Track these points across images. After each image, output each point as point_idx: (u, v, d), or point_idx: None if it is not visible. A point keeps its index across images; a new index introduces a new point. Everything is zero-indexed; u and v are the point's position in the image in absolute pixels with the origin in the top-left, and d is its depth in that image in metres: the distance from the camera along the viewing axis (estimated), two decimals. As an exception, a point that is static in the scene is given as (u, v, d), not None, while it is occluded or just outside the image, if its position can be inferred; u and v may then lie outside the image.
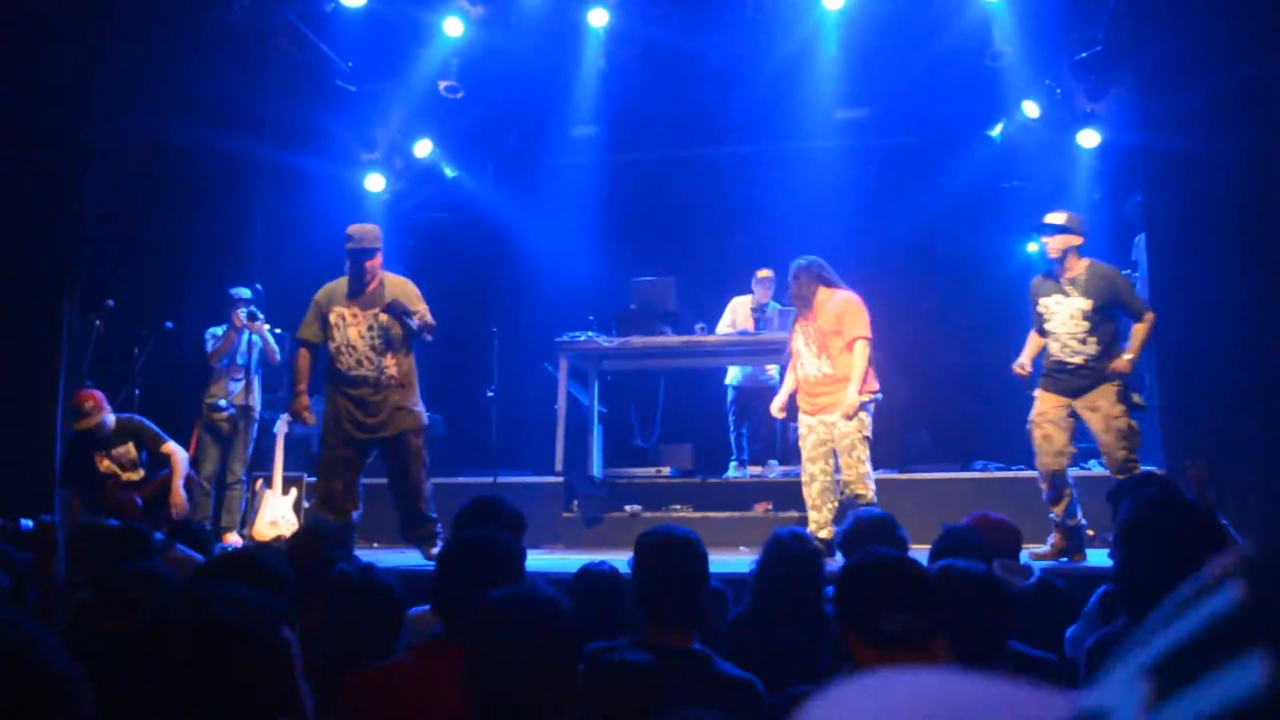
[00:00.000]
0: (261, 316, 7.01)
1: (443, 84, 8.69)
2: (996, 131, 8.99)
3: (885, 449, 6.53)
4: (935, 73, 8.84)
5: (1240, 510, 5.62)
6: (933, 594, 2.16)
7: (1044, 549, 5.21)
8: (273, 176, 8.62)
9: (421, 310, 5.57)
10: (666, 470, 7.76)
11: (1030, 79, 8.33)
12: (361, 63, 9.01)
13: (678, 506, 7.14)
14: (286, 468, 6.86)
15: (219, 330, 6.99)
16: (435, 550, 5.16)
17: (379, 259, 5.60)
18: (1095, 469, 6.91)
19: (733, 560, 4.72)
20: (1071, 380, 5.24)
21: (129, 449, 6.24)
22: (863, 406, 5.47)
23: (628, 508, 7.08)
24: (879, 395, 5.57)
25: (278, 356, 7.18)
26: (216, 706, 1.29)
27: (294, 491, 6.85)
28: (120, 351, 7.13)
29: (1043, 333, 5.39)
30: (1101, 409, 5.16)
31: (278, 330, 8.03)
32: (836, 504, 5.55)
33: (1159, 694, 0.34)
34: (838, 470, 5.58)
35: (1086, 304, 5.20)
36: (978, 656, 2.21)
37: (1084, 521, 5.29)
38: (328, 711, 2.22)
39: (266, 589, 1.85)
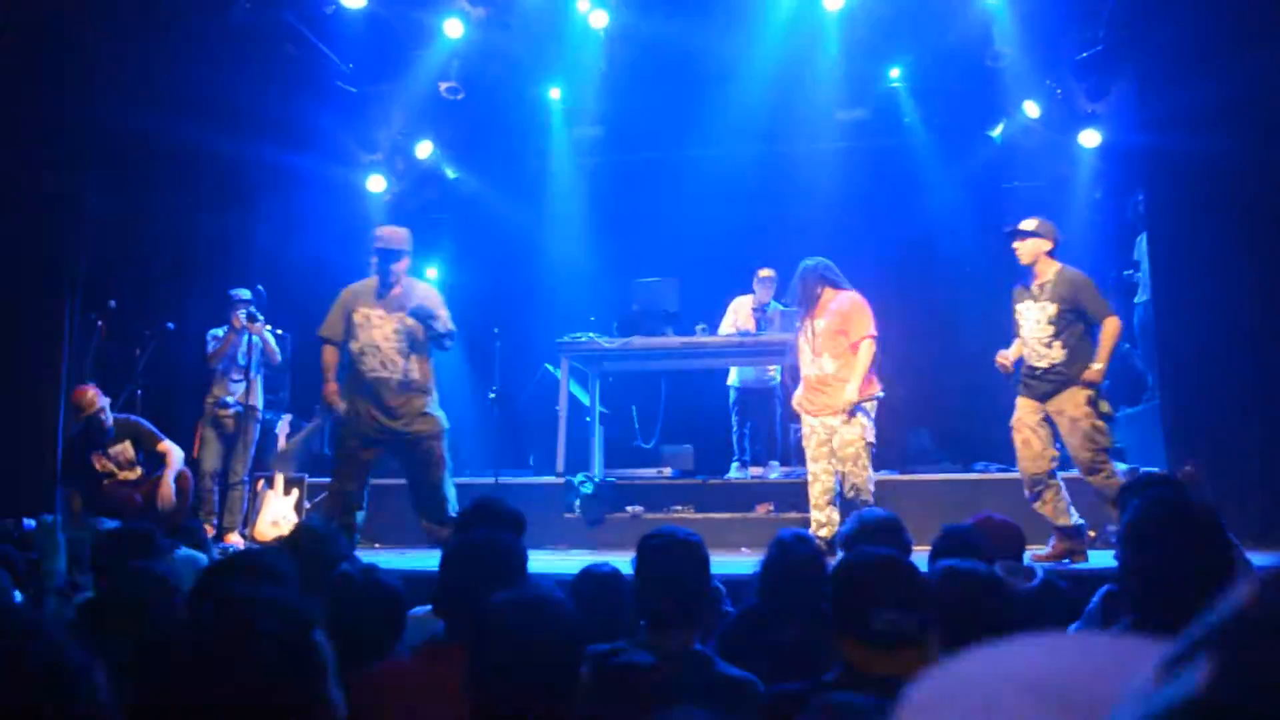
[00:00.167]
0: (261, 318, 7.01)
1: (443, 85, 8.69)
2: (997, 132, 8.99)
3: (886, 450, 6.53)
4: (936, 73, 8.85)
5: (1240, 510, 5.63)
6: (924, 593, 2.16)
7: (1044, 550, 5.21)
8: (274, 177, 8.63)
9: (444, 317, 5.56)
10: (668, 471, 7.76)
11: (1031, 79, 8.33)
12: (362, 64, 9.02)
13: (679, 507, 7.14)
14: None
15: (220, 332, 6.99)
16: None
17: (407, 262, 5.62)
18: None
19: (734, 561, 4.72)
20: (1039, 385, 5.27)
21: (126, 448, 6.25)
22: (861, 410, 5.47)
23: (629, 509, 7.07)
24: (878, 396, 5.57)
25: (278, 358, 7.18)
26: (247, 712, 1.28)
27: (295, 492, 6.85)
28: (121, 352, 7.14)
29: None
30: (1067, 412, 5.18)
31: (279, 331, 8.03)
32: (838, 504, 5.55)
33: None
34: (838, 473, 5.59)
35: (1052, 309, 5.23)
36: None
37: (1083, 521, 5.28)
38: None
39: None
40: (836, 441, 5.49)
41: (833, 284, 5.65)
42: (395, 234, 5.64)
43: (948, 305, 9.00)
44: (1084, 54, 7.80)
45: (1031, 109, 8.53)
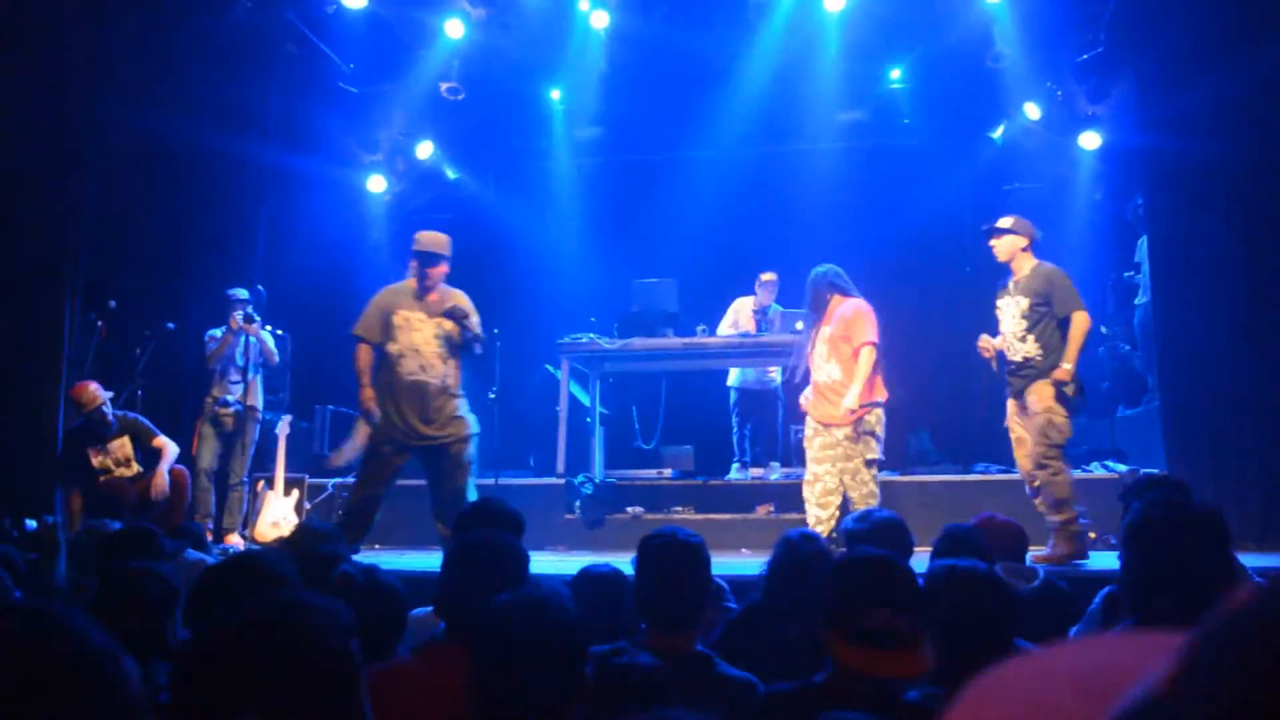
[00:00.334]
0: (258, 319, 6.99)
1: (444, 85, 8.69)
2: (998, 133, 8.99)
3: (886, 452, 6.51)
4: (936, 75, 8.85)
5: (1240, 512, 5.62)
6: (918, 596, 2.15)
7: (1045, 551, 5.21)
8: (275, 177, 8.63)
9: (475, 321, 5.54)
10: (668, 472, 7.76)
11: (1031, 81, 8.33)
12: (363, 64, 9.02)
13: (679, 508, 7.14)
14: (288, 469, 6.85)
15: (218, 332, 6.98)
16: None
17: (445, 268, 5.58)
18: (1096, 470, 6.91)
19: (735, 562, 4.72)
20: (1016, 381, 5.32)
21: (124, 444, 6.26)
22: (866, 426, 5.45)
23: (629, 510, 7.07)
24: (878, 402, 5.55)
25: (276, 358, 7.16)
26: (296, 714, 1.28)
27: (295, 493, 6.84)
28: (122, 352, 7.14)
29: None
30: (1029, 403, 5.23)
31: (279, 331, 8.02)
32: (839, 505, 5.54)
33: None
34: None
35: (1024, 303, 5.28)
36: (981, 655, 2.20)
37: (1085, 521, 5.29)
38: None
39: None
40: (840, 452, 5.50)
41: (842, 291, 5.66)
42: (436, 239, 5.62)
43: (948, 306, 8.99)
44: (1084, 56, 7.81)
45: (1032, 110, 8.53)
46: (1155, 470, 6.13)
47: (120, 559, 2.94)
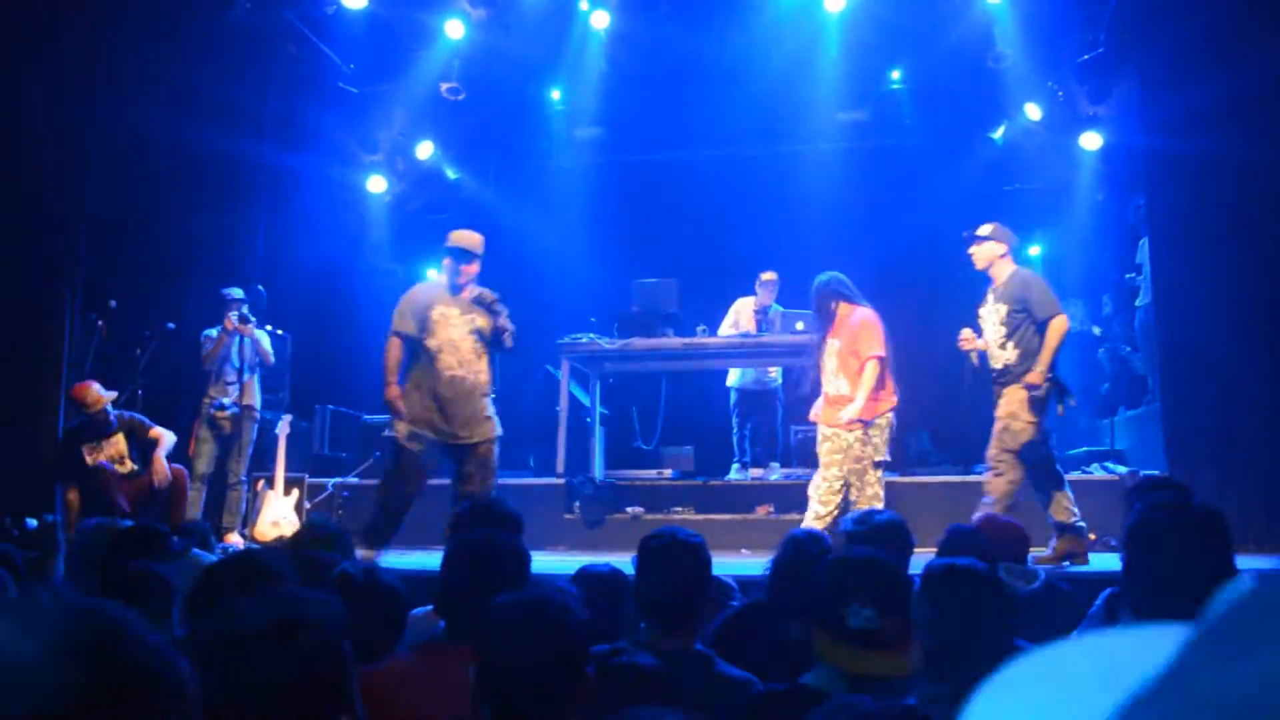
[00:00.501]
0: (254, 319, 6.98)
1: (444, 86, 8.69)
2: (999, 134, 8.99)
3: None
4: (937, 75, 8.85)
5: (1241, 513, 5.61)
6: (905, 596, 2.15)
7: (1045, 552, 5.21)
8: (275, 178, 8.63)
9: (504, 312, 5.57)
10: (668, 472, 7.76)
11: (1032, 81, 8.33)
12: (363, 65, 9.02)
13: (679, 508, 7.13)
14: (288, 469, 6.85)
15: (213, 332, 6.96)
16: None
17: (478, 266, 5.60)
18: (1097, 472, 6.91)
19: (735, 563, 4.71)
20: (995, 389, 5.34)
21: (118, 441, 6.26)
22: (875, 429, 5.47)
23: (629, 510, 7.07)
24: (879, 412, 5.55)
25: (272, 359, 7.13)
26: (288, 710, 1.28)
27: (295, 492, 6.84)
28: (122, 351, 7.13)
29: None
30: (999, 406, 5.25)
31: (279, 331, 8.02)
32: (839, 505, 5.55)
33: None
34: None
35: (1003, 309, 5.29)
36: (980, 655, 2.20)
37: (1084, 524, 5.28)
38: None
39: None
40: (848, 455, 5.52)
41: (846, 299, 5.66)
42: (470, 236, 5.66)
43: (948, 307, 8.96)
44: (1085, 56, 7.80)
45: (1033, 111, 8.53)
46: (1156, 472, 6.13)
47: (127, 557, 2.93)
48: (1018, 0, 7.94)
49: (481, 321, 5.50)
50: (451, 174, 9.99)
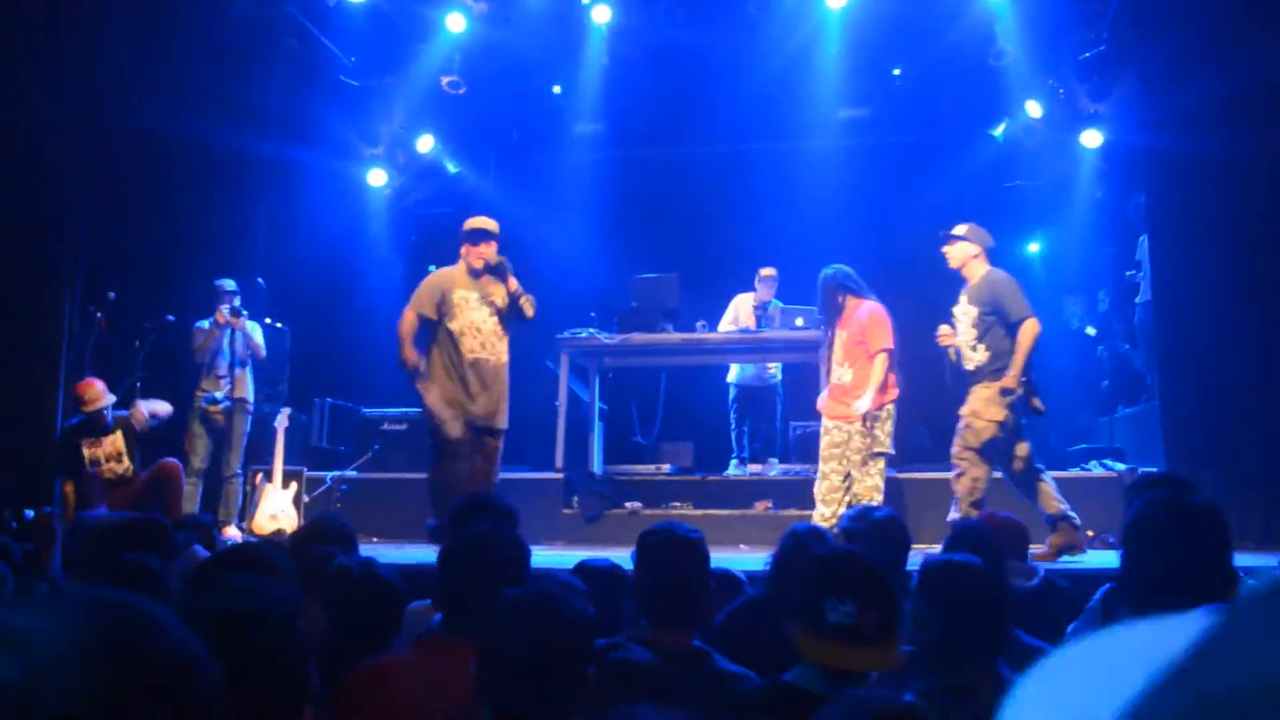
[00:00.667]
0: (245, 312, 6.95)
1: (445, 79, 8.68)
2: (999, 131, 8.97)
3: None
4: (938, 72, 8.83)
5: (1241, 511, 5.61)
6: (886, 591, 2.15)
7: (1042, 549, 5.21)
8: (275, 170, 8.61)
9: (510, 270, 5.67)
10: (667, 467, 7.75)
11: (1033, 79, 8.32)
12: (364, 58, 9.00)
13: (678, 504, 7.13)
14: (286, 462, 6.85)
15: (205, 324, 6.94)
16: None
17: (493, 246, 5.71)
18: (1095, 470, 6.91)
19: (733, 558, 4.71)
20: (968, 390, 5.34)
21: (116, 439, 6.26)
22: (876, 421, 5.51)
23: (628, 505, 7.07)
24: (882, 404, 5.59)
25: (263, 352, 7.09)
26: (237, 690, 1.29)
27: (294, 485, 6.83)
28: (121, 344, 7.12)
29: None
30: (965, 404, 5.29)
31: (279, 325, 8.01)
32: (844, 503, 5.57)
33: None
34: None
35: (974, 311, 5.31)
36: (977, 650, 2.21)
37: (1074, 514, 5.29)
38: (328, 706, 2.21)
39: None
40: (849, 447, 5.55)
41: (854, 292, 5.71)
42: (484, 220, 5.80)
43: (946, 304, 8.96)
44: (1086, 53, 7.80)
45: (1034, 108, 8.51)
46: (1154, 469, 6.13)
47: (128, 550, 2.93)
48: (1019, -3, 7.93)
49: (498, 295, 5.57)
50: (452, 168, 9.97)
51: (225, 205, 8.11)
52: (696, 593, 2.59)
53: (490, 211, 10.05)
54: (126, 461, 6.29)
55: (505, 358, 5.69)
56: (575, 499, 7.08)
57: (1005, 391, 5.13)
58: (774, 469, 7.88)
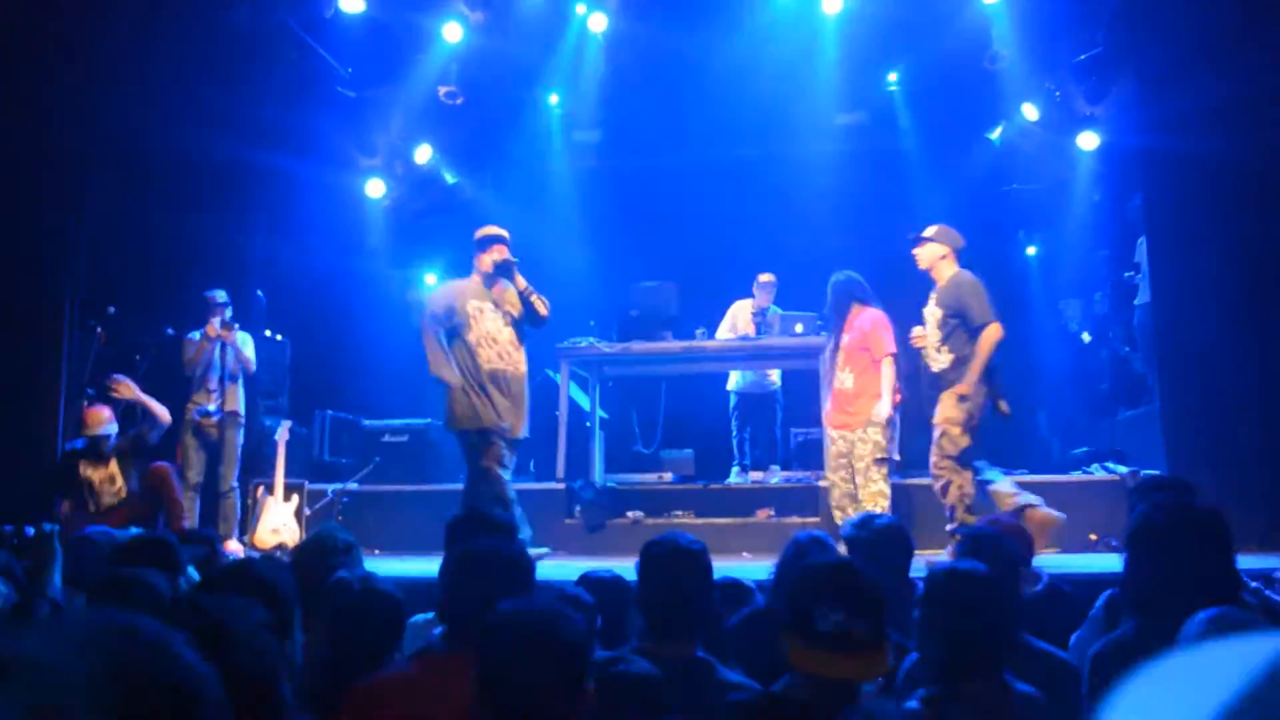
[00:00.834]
0: (236, 324, 6.93)
1: (442, 89, 8.68)
2: (996, 134, 8.98)
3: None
4: (934, 76, 8.84)
5: (1242, 513, 5.60)
6: (877, 599, 2.14)
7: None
8: (273, 182, 8.61)
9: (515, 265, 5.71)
10: (668, 476, 7.74)
11: (1029, 81, 8.32)
12: (361, 69, 9.00)
13: (679, 512, 7.11)
14: (287, 475, 6.83)
15: (196, 335, 6.92)
16: None
17: (503, 250, 5.77)
18: (1097, 472, 6.89)
19: (739, 567, 4.70)
20: (934, 393, 5.36)
21: (113, 465, 6.21)
22: (877, 428, 5.53)
23: (629, 514, 7.05)
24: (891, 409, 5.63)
25: (253, 366, 7.06)
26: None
27: (295, 498, 6.82)
28: (121, 358, 7.11)
29: None
30: (936, 411, 5.30)
31: (278, 337, 8.00)
32: (854, 511, 5.58)
33: None
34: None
35: (939, 313, 5.31)
36: (981, 657, 2.20)
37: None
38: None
39: (264, 600, 1.84)
40: (853, 453, 5.56)
41: (861, 300, 5.73)
42: (494, 228, 5.88)
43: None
44: (1083, 56, 7.79)
45: (1030, 111, 8.52)
46: (1155, 471, 6.12)
47: (132, 567, 2.91)
48: (1014, 1, 7.93)
49: (510, 300, 5.57)
50: (450, 178, 9.97)
51: (224, 217, 8.10)
52: (699, 604, 2.58)
53: (488, 221, 10.05)
54: (120, 482, 6.25)
55: (524, 368, 5.73)
56: (577, 509, 7.07)
57: (961, 398, 5.15)
58: (775, 476, 7.86)
